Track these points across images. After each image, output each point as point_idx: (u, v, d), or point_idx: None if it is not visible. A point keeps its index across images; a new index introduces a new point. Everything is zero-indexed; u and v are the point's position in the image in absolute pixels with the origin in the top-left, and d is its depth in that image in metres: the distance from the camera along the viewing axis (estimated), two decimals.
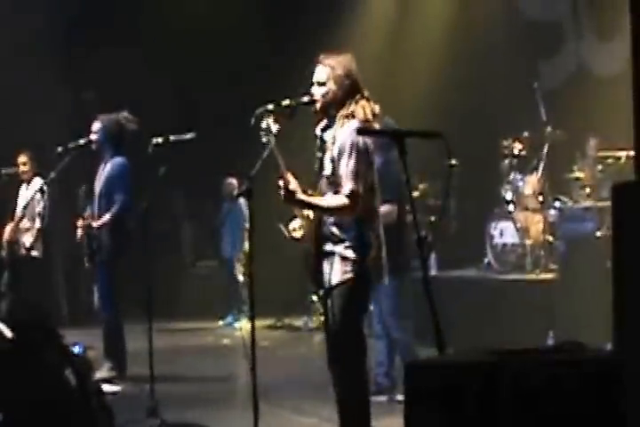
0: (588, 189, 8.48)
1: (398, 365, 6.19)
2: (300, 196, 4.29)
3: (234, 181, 11.21)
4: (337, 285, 4.30)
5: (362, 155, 4.28)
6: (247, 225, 9.17)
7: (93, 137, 7.22)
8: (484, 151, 9.68)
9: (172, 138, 5.99)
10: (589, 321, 6.44)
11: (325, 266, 4.35)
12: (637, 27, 3.35)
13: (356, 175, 4.25)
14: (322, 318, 5.08)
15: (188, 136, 6.03)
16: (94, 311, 7.30)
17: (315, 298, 9.71)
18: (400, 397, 5.74)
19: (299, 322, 10.61)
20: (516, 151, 8.98)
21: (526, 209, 8.83)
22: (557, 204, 8.56)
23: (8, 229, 8.73)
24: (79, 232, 7.17)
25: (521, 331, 7.34)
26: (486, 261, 9.05)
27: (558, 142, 8.80)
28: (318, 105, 4.39)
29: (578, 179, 8.69)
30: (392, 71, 10.51)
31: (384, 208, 5.05)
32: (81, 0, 11.62)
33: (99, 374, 6.44)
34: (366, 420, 4.38)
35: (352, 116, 4.32)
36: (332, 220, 4.35)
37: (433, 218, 9.15)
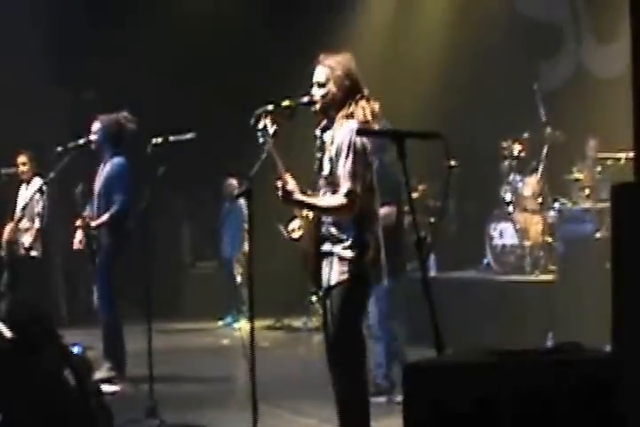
0: (587, 191, 8.49)
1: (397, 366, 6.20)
2: (298, 196, 4.28)
3: (234, 182, 11.21)
4: (335, 285, 4.29)
5: (359, 155, 4.28)
6: (247, 226, 9.16)
7: (93, 137, 7.23)
8: (483, 152, 9.68)
9: (171, 138, 5.98)
10: (588, 322, 6.44)
11: (324, 266, 4.35)
12: (637, 28, 3.34)
13: (354, 175, 4.24)
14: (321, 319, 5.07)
15: (188, 136, 6.02)
16: (93, 311, 7.29)
17: (314, 298, 9.71)
18: (399, 398, 5.74)
19: (298, 323, 10.61)
20: (515, 152, 8.98)
21: (526, 210, 8.83)
22: (557, 205, 8.55)
23: (7, 229, 8.74)
24: (78, 234, 7.17)
25: (520, 332, 7.35)
26: (486, 262, 9.05)
27: (558, 144, 8.81)
28: (318, 106, 4.38)
29: (577, 180, 8.70)
30: (392, 71, 10.49)
31: (383, 210, 5.03)
32: (81, 0, 11.64)
33: (98, 375, 6.42)
34: (366, 420, 4.37)
35: (351, 116, 4.32)
36: (330, 220, 4.34)
37: (432, 219, 9.13)
